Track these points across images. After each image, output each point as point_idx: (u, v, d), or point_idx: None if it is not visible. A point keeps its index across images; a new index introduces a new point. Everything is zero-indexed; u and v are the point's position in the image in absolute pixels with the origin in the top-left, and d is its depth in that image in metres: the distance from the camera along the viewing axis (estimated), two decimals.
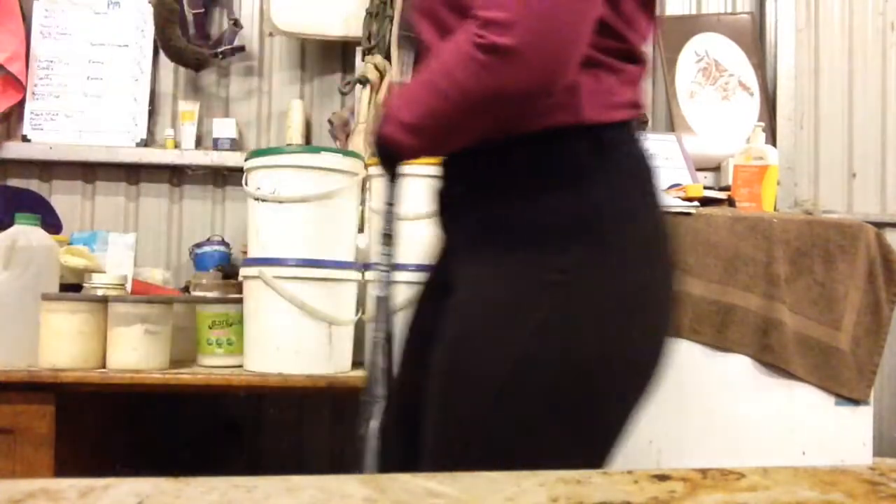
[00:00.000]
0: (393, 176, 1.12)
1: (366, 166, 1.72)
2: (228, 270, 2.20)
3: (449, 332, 0.95)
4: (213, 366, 1.67)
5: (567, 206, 0.90)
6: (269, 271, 1.59)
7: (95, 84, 2.44)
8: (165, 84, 2.48)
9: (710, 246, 1.67)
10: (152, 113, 2.46)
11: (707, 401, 1.63)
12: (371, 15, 2.27)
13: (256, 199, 1.63)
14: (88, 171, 2.45)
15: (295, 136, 2.38)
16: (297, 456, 2.42)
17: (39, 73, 2.42)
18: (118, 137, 2.42)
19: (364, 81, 2.19)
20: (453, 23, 0.91)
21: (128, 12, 2.46)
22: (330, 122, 2.42)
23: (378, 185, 1.59)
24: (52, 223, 2.07)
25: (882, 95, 2.63)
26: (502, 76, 0.83)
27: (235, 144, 2.41)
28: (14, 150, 2.38)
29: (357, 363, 1.70)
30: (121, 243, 2.23)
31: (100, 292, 1.73)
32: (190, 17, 2.39)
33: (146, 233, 2.43)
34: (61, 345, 1.56)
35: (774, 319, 1.65)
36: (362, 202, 1.80)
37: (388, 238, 1.12)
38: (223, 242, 2.35)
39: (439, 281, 1.08)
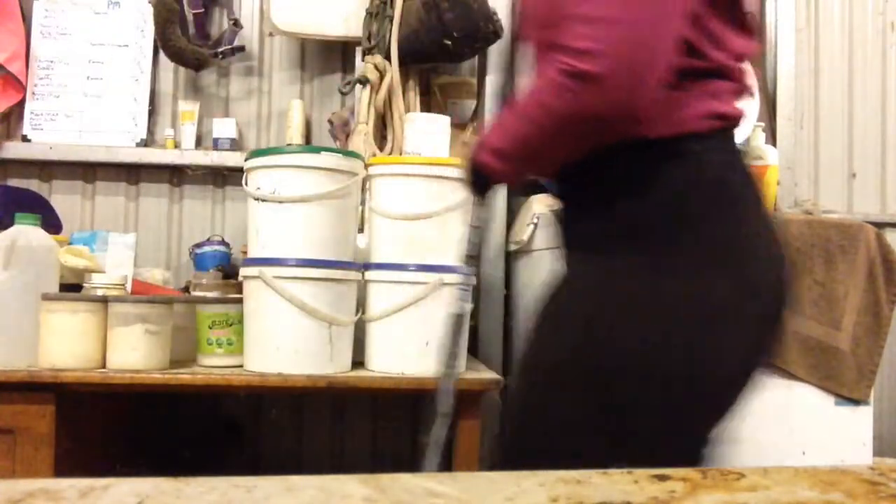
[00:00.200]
0: (481, 200, 1.19)
1: (366, 166, 1.72)
2: (228, 270, 2.20)
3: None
4: (213, 366, 1.67)
5: (627, 213, 0.96)
6: (269, 271, 1.59)
7: (95, 84, 2.44)
8: (165, 84, 2.48)
9: None
10: (152, 113, 2.46)
11: None
12: (371, 15, 2.27)
13: (256, 199, 1.63)
14: (88, 171, 2.45)
15: (295, 136, 2.38)
16: (297, 456, 2.42)
17: (39, 73, 2.42)
18: (118, 137, 2.42)
19: (364, 81, 2.18)
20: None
21: (128, 12, 2.46)
22: (330, 122, 2.42)
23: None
24: (52, 223, 2.07)
25: (882, 95, 2.63)
26: (586, 100, 0.88)
27: (235, 144, 2.41)
28: (14, 150, 2.38)
29: (357, 363, 1.70)
30: (121, 243, 2.23)
31: (100, 292, 1.73)
32: (190, 17, 2.39)
33: (146, 233, 2.43)
34: (61, 345, 1.56)
35: None
36: (362, 202, 1.80)
37: (471, 259, 1.21)
38: (223, 242, 2.35)
39: None
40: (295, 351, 1.59)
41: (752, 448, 1.65)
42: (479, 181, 1.12)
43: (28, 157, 2.39)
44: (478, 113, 2.36)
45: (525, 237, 2.13)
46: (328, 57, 2.51)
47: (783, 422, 1.69)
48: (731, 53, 0.96)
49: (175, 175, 2.47)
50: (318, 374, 1.60)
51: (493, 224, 2.27)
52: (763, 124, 2.21)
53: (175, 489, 0.44)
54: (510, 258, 2.30)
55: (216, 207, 2.47)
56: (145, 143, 2.42)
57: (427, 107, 2.35)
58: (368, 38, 2.26)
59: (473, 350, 2.04)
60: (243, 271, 1.66)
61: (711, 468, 0.51)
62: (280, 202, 1.61)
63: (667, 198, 0.93)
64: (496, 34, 2.18)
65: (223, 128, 2.40)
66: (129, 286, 1.99)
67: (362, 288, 1.70)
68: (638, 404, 0.91)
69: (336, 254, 1.64)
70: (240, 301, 1.68)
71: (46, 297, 1.58)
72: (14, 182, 2.39)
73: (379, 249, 1.71)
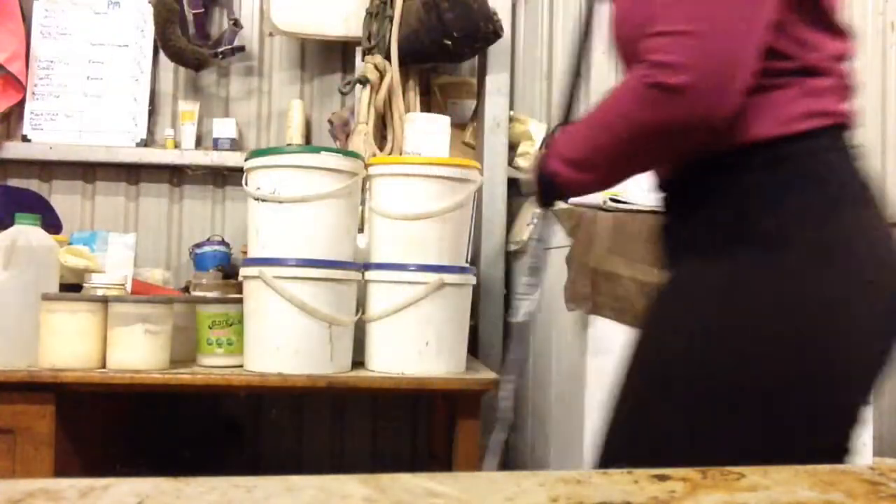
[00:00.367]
0: (548, 211, 1.21)
1: (366, 166, 1.72)
2: (228, 270, 2.20)
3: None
4: (213, 366, 1.67)
5: (732, 217, 0.95)
6: (269, 271, 1.59)
7: (95, 84, 2.44)
8: (165, 84, 2.48)
9: None
10: (152, 113, 2.46)
11: None
12: (371, 15, 2.27)
13: (256, 199, 1.63)
14: (88, 171, 2.45)
15: (295, 136, 2.38)
16: (297, 456, 2.42)
17: (39, 73, 2.42)
18: (118, 137, 2.42)
19: (364, 81, 2.18)
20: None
21: (128, 12, 2.46)
22: (330, 122, 2.42)
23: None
24: (52, 223, 2.07)
25: (882, 95, 2.63)
26: (669, 112, 0.91)
27: (235, 144, 2.41)
28: (14, 150, 2.38)
29: (357, 363, 1.70)
30: (121, 243, 2.23)
31: (100, 292, 1.73)
32: (190, 17, 2.39)
33: (146, 233, 2.43)
34: (61, 345, 1.56)
35: None
36: (362, 202, 1.80)
37: (535, 271, 1.23)
38: (223, 242, 2.35)
39: None
40: (295, 351, 1.59)
41: None
42: (548, 191, 1.13)
43: (28, 157, 2.39)
44: (478, 113, 2.36)
45: (525, 237, 2.13)
46: (328, 57, 2.51)
47: None
48: (825, 55, 0.96)
49: (175, 175, 2.47)
50: (318, 374, 1.60)
51: (494, 225, 2.27)
52: None
53: (175, 489, 0.44)
54: (510, 258, 2.30)
55: (216, 207, 2.47)
56: (145, 143, 2.42)
57: (427, 107, 2.35)
58: (368, 38, 2.26)
59: (473, 350, 2.04)
60: (243, 271, 1.66)
61: (711, 468, 0.51)
62: (280, 202, 1.61)
63: (771, 200, 0.93)
64: (496, 34, 2.18)
65: (223, 128, 2.40)
66: (129, 286, 1.99)
67: (362, 288, 1.70)
68: (773, 408, 0.89)
69: (336, 254, 1.64)
70: (240, 301, 1.68)
71: (46, 297, 1.58)
72: (14, 182, 2.39)
73: (379, 249, 1.71)
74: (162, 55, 2.38)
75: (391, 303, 1.65)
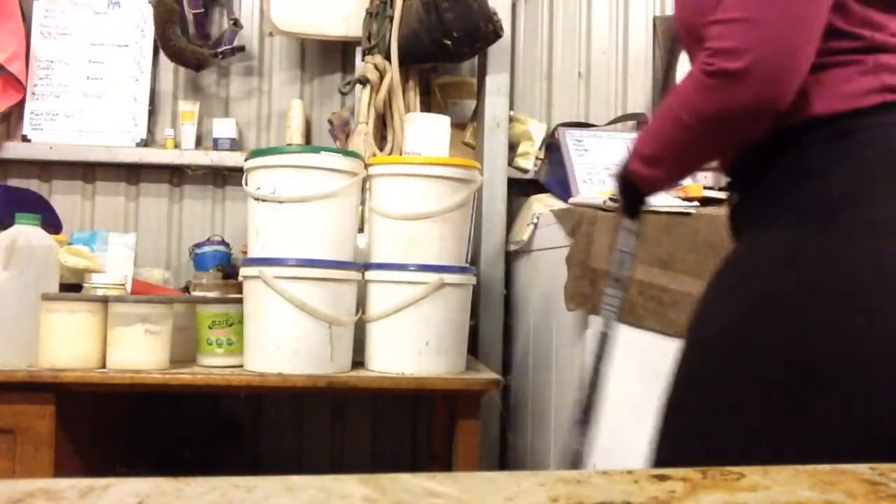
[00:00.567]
0: (634, 214, 1.20)
1: (366, 166, 1.72)
2: (228, 270, 2.20)
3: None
4: (213, 366, 1.67)
5: (800, 193, 0.95)
6: (269, 271, 1.59)
7: (95, 84, 2.44)
8: (165, 84, 2.48)
9: (710, 246, 1.67)
10: (152, 113, 2.46)
11: None
12: (371, 15, 2.27)
13: (256, 199, 1.63)
14: (88, 171, 2.45)
15: (295, 136, 2.38)
16: (297, 456, 2.42)
17: (39, 73, 2.42)
18: (118, 137, 2.42)
19: (364, 81, 2.18)
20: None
21: (128, 12, 2.46)
22: (330, 122, 2.42)
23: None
24: (52, 223, 2.07)
25: None
26: (732, 97, 0.93)
27: (235, 144, 2.41)
28: (14, 150, 2.38)
29: (357, 363, 1.70)
30: (121, 243, 2.23)
31: (100, 292, 1.73)
32: (190, 17, 2.39)
33: (146, 233, 2.43)
34: (61, 345, 1.56)
35: None
36: (362, 202, 1.80)
37: (619, 283, 1.23)
38: (223, 242, 2.35)
39: None
40: (295, 351, 1.59)
41: None
42: (631, 194, 1.14)
43: (28, 157, 2.39)
44: (478, 113, 2.36)
45: (525, 237, 2.13)
46: (328, 57, 2.51)
47: None
48: (885, 29, 0.96)
49: (175, 175, 2.47)
50: (318, 374, 1.60)
51: (494, 225, 2.27)
52: None
53: (175, 489, 0.44)
54: (510, 258, 2.30)
55: (216, 207, 2.47)
56: (145, 143, 2.42)
57: (427, 107, 2.35)
58: (368, 38, 2.26)
59: (473, 350, 2.04)
60: (243, 271, 1.66)
61: (711, 468, 0.51)
62: (280, 202, 1.61)
63: (837, 173, 0.93)
64: (496, 34, 2.18)
65: (223, 128, 2.40)
66: (129, 286, 1.99)
67: (362, 288, 1.70)
68: (804, 387, 0.86)
69: (336, 254, 1.64)
70: (240, 301, 1.68)
71: (46, 297, 1.58)
72: (14, 182, 2.39)
73: (379, 249, 1.71)
74: (162, 55, 2.38)
75: (391, 303, 1.65)
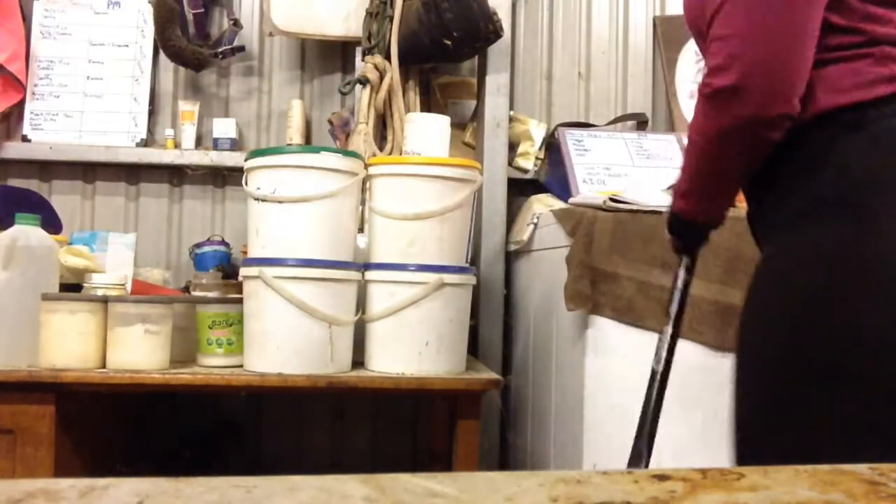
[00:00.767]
0: (692, 252, 1.20)
1: (366, 166, 1.72)
2: (228, 270, 2.20)
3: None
4: (213, 366, 1.67)
5: (808, 188, 0.94)
6: (269, 271, 1.59)
7: (95, 84, 2.44)
8: (165, 84, 2.48)
9: (710, 246, 1.66)
10: (152, 113, 2.46)
11: (707, 401, 1.63)
12: (371, 15, 2.27)
13: (256, 199, 1.63)
14: (88, 171, 2.45)
15: (295, 136, 2.38)
16: (297, 456, 2.42)
17: (39, 73, 2.42)
18: (118, 137, 2.42)
19: (364, 81, 2.18)
20: None
21: (128, 12, 2.46)
22: (330, 122, 2.42)
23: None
24: (52, 223, 2.07)
25: None
26: (731, 112, 0.93)
27: (235, 144, 2.41)
28: (14, 150, 2.38)
29: (357, 363, 1.70)
30: (121, 243, 2.23)
31: (100, 292, 1.73)
32: (190, 17, 2.39)
33: (146, 233, 2.43)
34: (61, 345, 1.56)
35: None
36: (362, 202, 1.80)
37: (672, 320, 1.21)
38: (223, 242, 2.35)
39: None
40: (295, 351, 1.59)
41: None
42: (685, 232, 1.15)
43: (28, 157, 2.39)
44: (478, 113, 2.36)
45: (525, 237, 2.13)
46: (328, 57, 2.51)
47: None
48: (888, 22, 0.95)
49: (175, 175, 2.47)
50: (318, 374, 1.60)
51: (494, 225, 2.27)
52: None
53: (175, 489, 0.44)
54: (510, 258, 2.30)
55: (216, 207, 2.47)
56: (145, 143, 2.42)
57: (427, 107, 2.35)
58: (368, 38, 2.26)
59: (473, 350, 2.04)
60: (243, 271, 1.66)
61: (711, 468, 0.51)
62: (280, 202, 1.61)
63: (841, 170, 0.92)
64: (496, 34, 2.18)
65: (223, 128, 2.40)
66: (129, 286, 1.99)
67: (362, 288, 1.70)
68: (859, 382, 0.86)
69: (336, 254, 1.64)
70: (240, 301, 1.68)
71: (46, 297, 1.58)
72: (14, 182, 2.39)
73: (379, 249, 1.71)
74: (162, 55, 2.38)
75: (391, 303, 1.65)
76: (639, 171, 2.19)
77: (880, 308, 0.86)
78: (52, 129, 2.41)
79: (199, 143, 2.43)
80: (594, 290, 1.65)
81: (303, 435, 2.43)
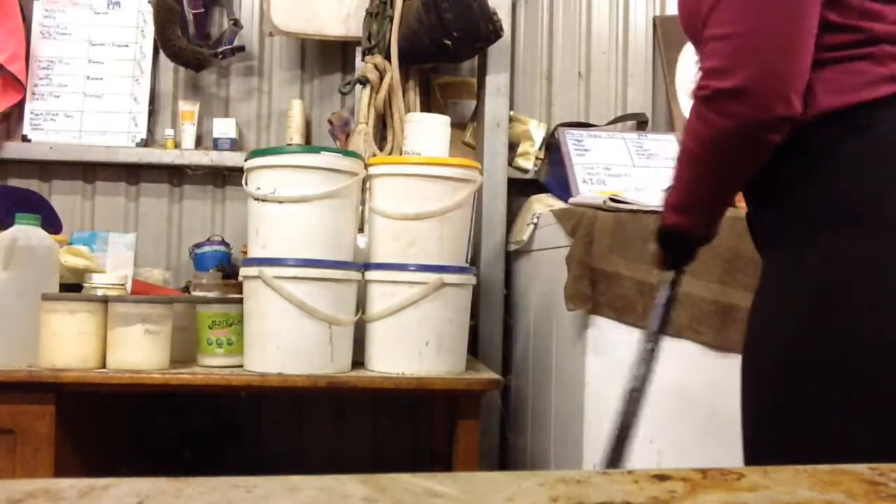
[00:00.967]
0: (680, 267, 1.15)
1: (366, 166, 1.72)
2: (228, 270, 2.20)
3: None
4: (213, 366, 1.67)
5: (812, 194, 0.92)
6: (269, 271, 1.59)
7: (95, 84, 2.44)
8: (165, 84, 2.48)
9: (710, 246, 1.66)
10: (152, 113, 2.46)
11: (707, 401, 1.63)
12: (371, 15, 2.27)
13: (256, 199, 1.63)
14: (88, 171, 2.45)
15: (295, 136, 2.38)
16: (297, 456, 2.42)
17: (39, 73, 2.42)
18: (118, 137, 2.42)
19: (364, 81, 2.18)
20: None
21: (128, 12, 2.46)
22: (330, 122, 2.42)
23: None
24: (52, 223, 2.07)
25: None
26: (733, 116, 0.89)
27: (235, 144, 2.41)
28: (14, 150, 2.38)
29: (357, 363, 1.70)
30: (121, 243, 2.23)
31: (100, 292, 1.73)
32: (190, 17, 2.39)
33: (146, 233, 2.43)
34: (61, 345, 1.56)
35: None
36: (362, 202, 1.80)
37: (651, 335, 1.15)
38: (223, 242, 2.35)
39: None
40: (295, 351, 1.59)
41: None
42: (677, 247, 1.10)
43: (28, 157, 2.39)
44: (478, 113, 2.36)
45: (525, 237, 2.13)
46: (328, 57, 2.51)
47: None
48: (894, 20, 0.92)
49: (175, 175, 2.46)
50: (318, 374, 1.60)
51: (494, 225, 2.27)
52: None
53: (175, 489, 0.44)
54: (510, 258, 2.30)
55: (216, 207, 2.47)
56: (145, 143, 2.42)
57: (427, 107, 2.35)
58: (368, 38, 2.26)
59: (473, 350, 2.04)
60: (243, 271, 1.66)
61: (711, 468, 0.51)
62: (280, 202, 1.61)
63: (845, 175, 0.90)
64: (496, 34, 2.18)
65: (223, 128, 2.40)
66: (129, 286, 1.99)
67: (362, 288, 1.70)
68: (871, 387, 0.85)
69: (336, 254, 1.64)
70: (240, 301, 1.68)
71: (46, 297, 1.58)
72: (14, 182, 2.39)
73: (379, 249, 1.71)
74: (162, 55, 2.38)
75: (391, 303, 1.65)
76: (639, 171, 2.19)
77: (884, 311, 0.86)
78: (52, 129, 2.41)
79: (199, 143, 2.43)
80: (594, 290, 1.65)
81: (303, 435, 2.43)
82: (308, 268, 1.59)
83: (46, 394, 1.55)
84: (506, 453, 2.27)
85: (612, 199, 1.72)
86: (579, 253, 1.66)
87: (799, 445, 0.89)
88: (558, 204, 2.13)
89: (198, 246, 2.33)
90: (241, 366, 1.67)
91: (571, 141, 2.25)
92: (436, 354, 1.65)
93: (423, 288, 1.64)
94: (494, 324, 2.25)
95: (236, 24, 2.42)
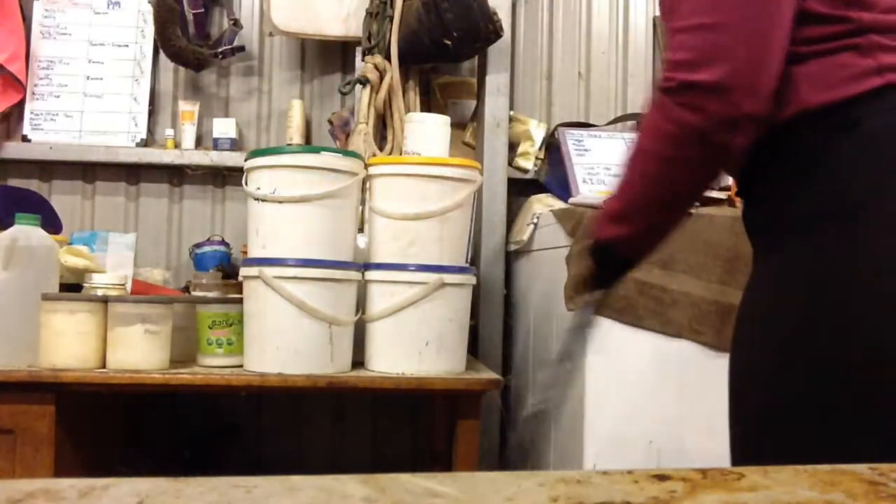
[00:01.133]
0: (609, 285, 1.08)
1: (366, 166, 1.72)
2: (228, 270, 2.20)
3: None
4: (213, 366, 1.67)
5: (806, 193, 0.88)
6: (269, 271, 1.59)
7: (95, 84, 2.44)
8: (165, 84, 2.48)
9: (710, 246, 1.67)
10: (152, 113, 2.46)
11: (707, 401, 1.63)
12: (371, 15, 2.27)
13: (256, 199, 1.63)
14: (88, 171, 2.45)
15: (295, 136, 2.38)
16: (297, 456, 2.42)
17: (39, 73, 2.42)
18: (118, 137, 2.42)
19: (364, 81, 2.18)
20: None
21: (128, 12, 2.46)
22: (330, 122, 2.42)
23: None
24: (52, 223, 2.07)
25: None
26: (695, 109, 0.84)
27: (235, 144, 2.41)
28: (14, 150, 2.38)
29: (357, 363, 1.70)
30: (121, 243, 2.23)
31: (100, 292, 1.73)
32: (190, 17, 2.39)
33: (146, 233, 2.43)
34: (61, 345, 1.56)
35: None
36: (362, 202, 1.80)
37: (565, 354, 1.14)
38: (223, 242, 2.35)
39: None
40: (295, 351, 1.59)
41: None
42: (607, 264, 1.03)
43: (28, 157, 2.39)
44: (478, 113, 2.36)
45: (525, 237, 2.13)
46: (328, 57, 2.51)
47: None
48: (882, 8, 0.89)
49: (175, 175, 2.46)
50: (318, 374, 1.60)
51: (494, 225, 2.27)
52: None
53: (175, 489, 0.44)
54: (510, 258, 2.30)
55: (216, 207, 2.47)
56: (145, 143, 2.42)
57: (427, 107, 2.35)
58: (368, 38, 2.26)
59: (473, 350, 2.04)
60: (243, 271, 1.66)
61: (711, 468, 0.51)
62: (280, 202, 1.61)
63: (837, 173, 0.87)
64: (496, 34, 2.18)
65: (223, 128, 2.40)
66: (129, 286, 1.99)
67: (362, 288, 1.70)
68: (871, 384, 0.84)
69: (336, 254, 1.64)
70: (240, 301, 1.68)
71: (46, 297, 1.58)
72: (14, 182, 2.39)
73: (379, 249, 1.71)
74: (162, 55, 2.38)
75: (391, 303, 1.65)
76: None
77: (881, 309, 0.85)
78: (52, 129, 2.41)
79: (199, 143, 2.43)
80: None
81: (303, 435, 2.43)
82: (308, 268, 1.59)
83: (46, 394, 1.55)
84: (506, 453, 2.27)
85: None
86: (579, 253, 1.66)
87: (796, 444, 0.88)
88: (558, 204, 2.13)
89: (198, 246, 2.33)
90: (241, 366, 1.67)
91: (571, 141, 2.25)
92: (436, 354, 1.65)
93: (423, 288, 1.64)
94: (494, 324, 2.25)
95: (236, 24, 2.42)
